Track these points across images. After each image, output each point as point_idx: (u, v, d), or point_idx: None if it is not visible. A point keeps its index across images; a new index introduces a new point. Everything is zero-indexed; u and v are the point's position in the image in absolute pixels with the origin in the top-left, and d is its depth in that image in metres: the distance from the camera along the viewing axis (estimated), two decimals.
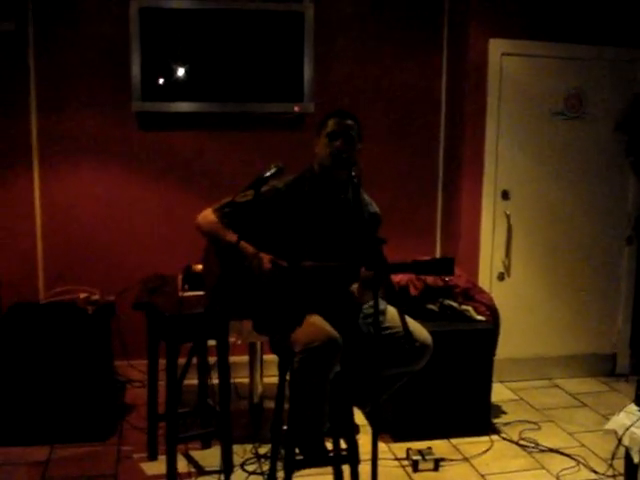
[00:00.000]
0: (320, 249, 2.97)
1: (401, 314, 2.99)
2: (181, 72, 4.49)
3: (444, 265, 2.60)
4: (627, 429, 3.01)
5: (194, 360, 3.51)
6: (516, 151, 4.80)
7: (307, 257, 2.93)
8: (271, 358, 3.64)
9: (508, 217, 4.82)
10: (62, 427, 3.83)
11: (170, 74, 4.48)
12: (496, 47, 4.65)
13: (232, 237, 2.97)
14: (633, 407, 3.15)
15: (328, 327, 2.86)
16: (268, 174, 2.82)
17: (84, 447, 3.80)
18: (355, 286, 2.95)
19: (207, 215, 3.12)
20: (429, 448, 3.78)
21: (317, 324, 2.88)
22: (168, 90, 4.49)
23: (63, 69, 4.48)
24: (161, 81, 4.46)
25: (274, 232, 3.04)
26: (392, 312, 3.09)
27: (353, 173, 2.87)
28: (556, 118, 4.83)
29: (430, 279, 4.20)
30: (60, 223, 4.59)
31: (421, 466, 3.66)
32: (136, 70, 4.38)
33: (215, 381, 3.61)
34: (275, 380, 3.15)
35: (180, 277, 3.80)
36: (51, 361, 3.79)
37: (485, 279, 4.84)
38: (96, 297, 4.08)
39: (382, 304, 3.05)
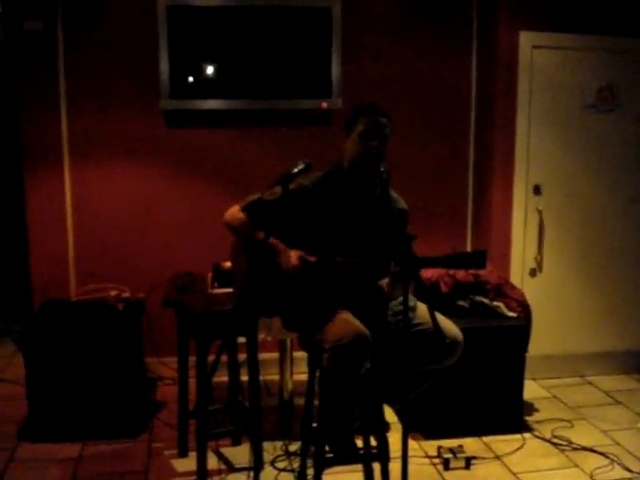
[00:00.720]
0: (349, 245, 2.96)
1: (431, 310, 2.97)
2: (209, 69, 4.50)
3: (476, 258, 2.57)
4: None
5: (224, 357, 3.53)
6: (548, 145, 4.73)
7: (337, 253, 2.92)
8: (301, 355, 3.63)
9: (540, 212, 4.76)
10: (93, 424, 3.86)
11: (198, 72, 4.49)
12: (527, 40, 4.59)
13: (260, 234, 2.97)
14: None
15: (358, 324, 2.84)
16: (295, 170, 2.80)
17: (115, 444, 3.82)
18: (385, 281, 2.93)
19: (235, 213, 3.12)
20: (460, 446, 3.74)
21: (347, 321, 2.87)
22: (196, 88, 4.50)
23: (92, 68, 4.51)
24: (189, 79, 4.47)
25: (303, 229, 3.03)
26: (422, 308, 3.07)
27: (382, 169, 2.85)
28: (588, 111, 4.76)
29: (461, 275, 4.17)
30: (90, 222, 4.62)
31: (452, 464, 3.63)
32: (164, 68, 4.40)
33: (245, 378, 3.62)
34: (305, 377, 3.14)
35: (209, 275, 3.80)
36: (82, 358, 3.81)
37: (517, 275, 4.79)
38: (126, 294, 4.11)
39: (412, 300, 3.03)
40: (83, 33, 4.47)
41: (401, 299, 2.58)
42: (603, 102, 4.77)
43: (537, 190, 4.77)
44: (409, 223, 3.16)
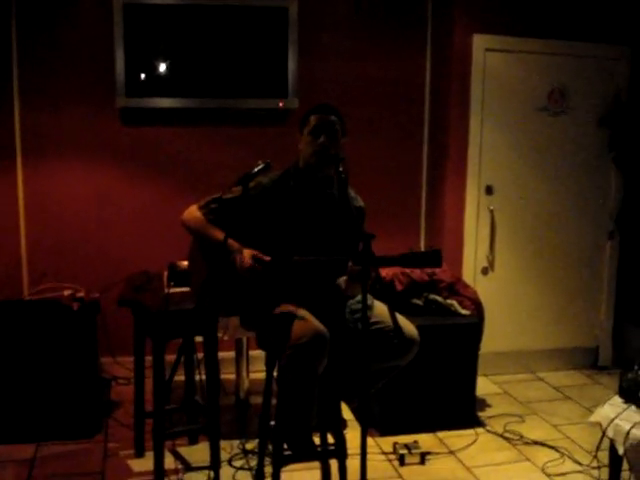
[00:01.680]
0: (307, 244, 2.98)
1: (391, 309, 3.01)
2: (165, 67, 4.48)
3: (432, 257, 2.62)
4: (611, 421, 3.05)
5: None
6: (500, 146, 4.82)
7: (295, 252, 2.94)
8: (257, 354, 3.65)
9: (492, 212, 4.85)
10: (48, 425, 3.81)
11: (154, 70, 4.47)
12: (480, 43, 4.67)
13: (218, 234, 2.97)
14: (617, 399, 3.19)
15: (316, 322, 2.86)
16: (256, 170, 2.82)
17: (70, 445, 3.79)
18: (342, 280, 2.96)
19: (193, 212, 3.12)
20: (415, 442, 3.80)
21: (305, 319, 2.88)
22: (152, 86, 4.47)
23: (46, 66, 4.45)
24: (145, 77, 4.44)
25: (261, 228, 3.04)
26: (379, 307, 3.10)
27: (340, 169, 2.88)
28: (540, 113, 4.86)
29: (415, 274, 4.22)
30: (44, 220, 4.56)
31: (408, 460, 3.68)
32: (120, 66, 4.36)
33: (202, 377, 3.62)
34: (261, 376, 3.16)
35: (165, 274, 3.79)
36: (36, 358, 3.77)
37: (469, 274, 4.87)
38: (81, 294, 4.06)
39: (369, 299, 3.06)
40: (37, 30, 4.42)
41: (359, 297, 2.60)
42: (554, 104, 4.88)
43: (489, 190, 4.85)
44: (366, 220, 3.21)
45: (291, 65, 4.58)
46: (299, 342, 2.77)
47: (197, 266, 3.23)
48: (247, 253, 2.97)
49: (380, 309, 3.08)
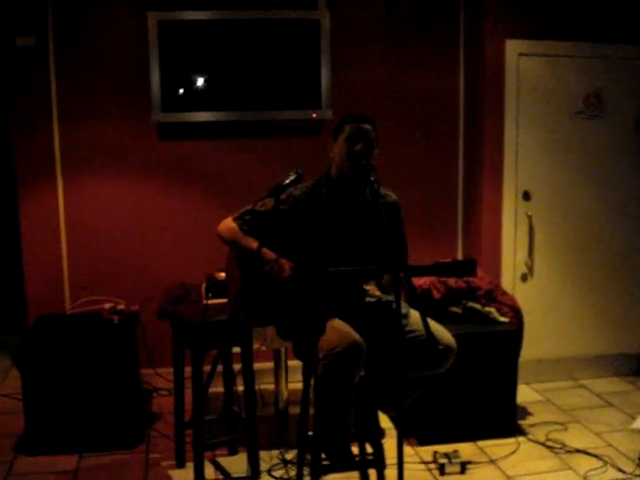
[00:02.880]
0: (341, 254, 2.99)
1: (423, 317, 3.00)
2: (200, 82, 4.53)
3: (466, 267, 2.61)
4: None
5: (219, 368, 3.55)
6: (536, 152, 4.78)
7: (329, 262, 2.95)
8: (295, 364, 3.66)
9: (530, 218, 4.81)
10: (90, 436, 3.87)
11: (189, 84, 4.53)
12: (513, 48, 4.64)
13: (253, 243, 3.00)
14: None
15: (351, 332, 2.87)
16: (287, 181, 2.84)
17: (112, 456, 3.83)
18: (371, 287, 2.97)
19: (228, 223, 3.16)
20: (455, 451, 3.77)
21: (340, 329, 2.89)
22: (187, 100, 4.53)
23: (83, 82, 4.54)
24: (180, 92, 4.51)
25: (295, 239, 3.06)
26: (415, 316, 3.10)
27: (372, 178, 2.88)
28: (575, 118, 4.81)
29: (452, 282, 4.20)
30: (84, 235, 4.65)
31: (448, 469, 3.66)
32: (155, 81, 4.43)
33: (240, 388, 3.64)
34: (300, 386, 3.17)
35: (203, 285, 3.82)
36: (78, 371, 3.83)
37: (508, 280, 4.83)
38: (121, 307, 4.12)
39: (404, 308, 3.06)
40: (74, 47, 4.51)
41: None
42: (590, 108, 4.83)
43: (526, 196, 4.81)
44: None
45: (324, 76, 4.59)
46: (334, 351, 2.78)
47: (233, 277, 3.27)
48: (286, 263, 2.99)
49: (416, 317, 3.07)
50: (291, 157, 4.66)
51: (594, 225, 4.93)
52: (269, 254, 3.01)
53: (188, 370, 3.56)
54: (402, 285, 2.57)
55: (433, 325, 3.02)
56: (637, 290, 5.06)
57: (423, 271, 2.66)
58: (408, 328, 2.99)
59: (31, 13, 4.41)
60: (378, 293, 3.17)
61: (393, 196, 3.23)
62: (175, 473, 3.68)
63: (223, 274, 3.57)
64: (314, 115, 4.61)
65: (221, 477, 3.64)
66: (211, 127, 4.67)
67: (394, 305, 2.52)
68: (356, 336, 2.84)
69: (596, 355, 5.05)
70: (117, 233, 4.69)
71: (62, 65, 4.52)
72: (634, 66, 4.83)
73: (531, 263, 4.88)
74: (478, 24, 4.77)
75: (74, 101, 4.55)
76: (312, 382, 3.01)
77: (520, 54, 4.66)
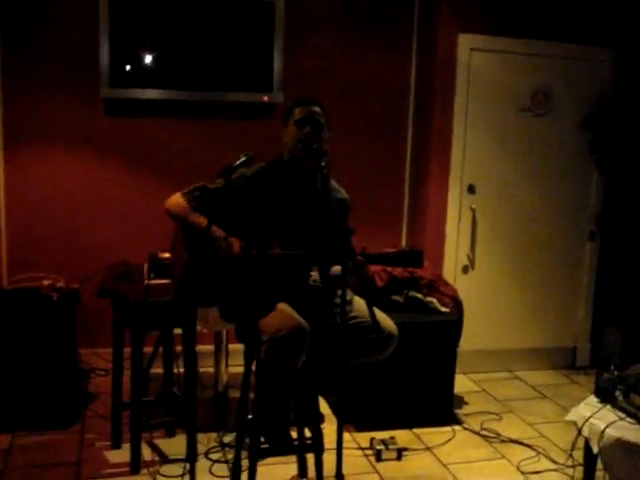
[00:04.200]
0: (289, 237, 2.98)
1: (369, 304, 3.02)
2: (149, 59, 4.46)
3: (413, 258, 2.64)
4: (587, 420, 3.07)
5: (159, 349, 3.52)
6: (483, 146, 4.85)
7: (276, 245, 2.94)
8: (236, 347, 3.65)
9: (473, 211, 4.88)
10: (25, 415, 3.80)
11: (139, 61, 4.45)
12: (465, 42, 4.69)
13: (202, 220, 2.97)
14: (593, 399, 3.22)
15: (296, 316, 2.87)
16: (238, 163, 2.81)
17: (47, 435, 3.77)
18: (336, 269, 2.98)
19: (176, 198, 3.11)
20: (392, 438, 3.81)
21: (285, 313, 2.89)
22: (136, 77, 4.46)
23: (29, 56, 4.42)
24: (129, 67, 4.43)
25: (243, 220, 3.04)
26: (359, 302, 3.12)
27: (323, 163, 2.88)
28: (523, 114, 4.89)
29: (397, 271, 4.23)
30: (24, 210, 4.54)
31: (384, 455, 3.70)
32: (104, 56, 4.35)
33: (180, 370, 3.61)
34: (240, 370, 3.16)
35: (146, 265, 3.78)
36: (14, 348, 3.75)
37: (450, 272, 4.90)
38: (60, 284, 4.04)
39: (349, 294, 3.07)
40: (21, 20, 4.38)
41: (339, 292, 2.61)
42: (537, 105, 4.91)
43: (471, 189, 4.88)
44: (350, 213, 3.23)
45: (277, 60, 4.58)
46: (278, 335, 2.78)
47: (179, 257, 3.23)
48: (235, 241, 2.97)
49: (359, 304, 3.09)
50: (242, 139, 4.62)
51: (536, 220, 5.02)
52: (218, 231, 2.98)
53: (127, 351, 3.52)
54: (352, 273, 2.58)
55: (376, 312, 3.05)
56: (575, 286, 5.19)
57: (371, 259, 2.68)
58: (352, 314, 3.01)
59: None
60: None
61: (344, 193, 3.23)
62: (111, 454, 3.63)
63: (167, 254, 3.53)
64: (265, 98, 4.59)
65: (158, 459, 3.61)
66: (160, 105, 4.60)
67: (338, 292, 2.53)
68: (301, 320, 2.85)
69: (532, 348, 5.16)
70: (59, 209, 4.58)
71: (6, 38, 4.37)
72: (581, 66, 4.93)
73: (473, 256, 4.95)
74: (432, 17, 4.80)
75: (19, 73, 4.42)
76: (253, 365, 3.00)
77: (472, 49, 4.71)
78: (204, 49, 4.50)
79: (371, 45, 4.91)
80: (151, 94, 4.48)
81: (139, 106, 4.58)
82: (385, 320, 3.06)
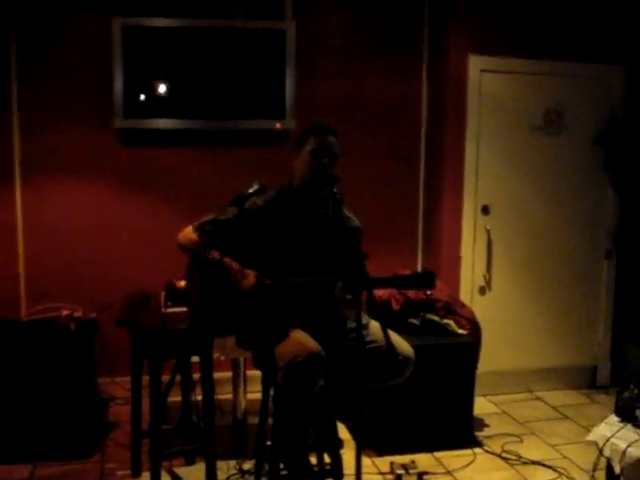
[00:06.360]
0: (303, 264, 2.99)
1: (384, 328, 3.01)
2: (163, 89, 4.51)
3: (425, 279, 2.63)
4: (608, 440, 3.06)
5: (177, 377, 3.54)
6: (496, 166, 4.85)
7: (290, 273, 2.95)
8: (254, 374, 3.65)
9: (488, 232, 4.87)
10: (45, 445, 3.80)
11: (152, 91, 4.50)
12: (475, 63, 4.71)
13: (215, 254, 2.99)
14: (613, 418, 3.20)
15: (312, 342, 2.88)
16: (250, 191, 2.85)
17: (67, 465, 3.77)
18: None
19: (188, 233, 3.13)
20: (412, 462, 3.79)
21: (301, 339, 2.90)
22: (150, 107, 4.51)
23: (45, 87, 4.49)
24: (143, 98, 4.48)
25: (257, 249, 3.06)
26: (375, 326, 3.11)
27: (335, 190, 2.90)
28: (535, 133, 4.89)
29: (412, 293, 4.23)
30: (42, 240, 4.58)
31: None
32: (118, 87, 4.40)
33: (199, 397, 3.61)
34: (258, 396, 3.16)
35: (163, 294, 3.80)
36: (33, 378, 3.77)
37: (466, 293, 4.88)
38: (79, 314, 4.07)
39: (364, 319, 3.08)
40: (37, 52, 4.46)
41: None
42: (550, 124, 4.91)
43: (485, 210, 4.87)
44: (363, 241, 3.23)
45: (288, 87, 4.61)
46: (294, 361, 2.78)
47: (195, 286, 3.25)
48: (250, 272, 2.98)
49: (375, 328, 3.09)
50: (254, 166, 4.64)
51: (551, 239, 5.01)
52: (232, 264, 2.99)
53: (146, 379, 3.52)
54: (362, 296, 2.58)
55: (392, 336, 3.03)
56: (594, 304, 5.15)
57: (383, 283, 2.68)
58: (368, 339, 3.01)
59: None
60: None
61: (356, 222, 3.24)
62: None
63: (183, 282, 3.55)
64: (278, 125, 4.62)
65: None
66: (173, 134, 4.64)
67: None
68: (317, 346, 2.85)
69: (552, 368, 5.12)
70: (77, 239, 4.63)
71: (24, 69, 4.45)
72: (593, 83, 4.94)
73: (489, 276, 4.94)
74: (442, 38, 4.83)
75: (35, 106, 4.49)
76: (271, 392, 3.01)
77: (482, 70, 4.73)
78: (216, 78, 4.55)
79: (382, 69, 4.94)
80: (164, 124, 4.53)
81: (153, 136, 4.62)
82: (401, 343, 3.06)
